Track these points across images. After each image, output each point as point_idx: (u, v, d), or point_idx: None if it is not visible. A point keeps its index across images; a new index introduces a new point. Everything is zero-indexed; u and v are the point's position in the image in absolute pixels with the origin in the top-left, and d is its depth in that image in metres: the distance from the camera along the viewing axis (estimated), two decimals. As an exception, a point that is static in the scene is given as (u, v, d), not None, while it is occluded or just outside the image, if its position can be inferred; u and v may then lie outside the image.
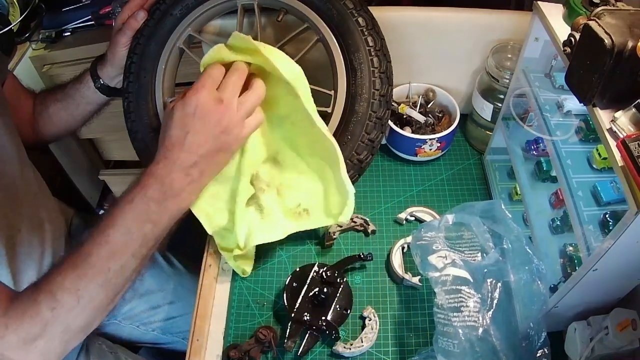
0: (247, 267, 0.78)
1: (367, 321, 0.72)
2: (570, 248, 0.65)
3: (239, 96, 0.61)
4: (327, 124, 0.73)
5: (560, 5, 0.61)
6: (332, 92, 0.72)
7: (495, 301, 0.62)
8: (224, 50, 0.64)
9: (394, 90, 0.76)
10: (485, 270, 0.64)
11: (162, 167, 0.59)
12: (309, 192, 0.72)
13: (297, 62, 0.73)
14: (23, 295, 0.56)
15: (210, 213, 0.70)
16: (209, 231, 0.72)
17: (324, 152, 0.69)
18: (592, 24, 0.46)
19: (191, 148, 0.59)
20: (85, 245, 0.57)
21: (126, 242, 0.57)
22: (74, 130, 0.95)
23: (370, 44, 0.70)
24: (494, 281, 0.63)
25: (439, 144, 0.88)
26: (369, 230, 0.82)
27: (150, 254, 0.60)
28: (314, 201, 0.72)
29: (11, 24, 0.64)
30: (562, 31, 0.57)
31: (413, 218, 0.85)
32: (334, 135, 0.72)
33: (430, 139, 0.87)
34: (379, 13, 0.74)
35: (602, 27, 0.45)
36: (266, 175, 0.72)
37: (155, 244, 0.60)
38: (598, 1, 0.54)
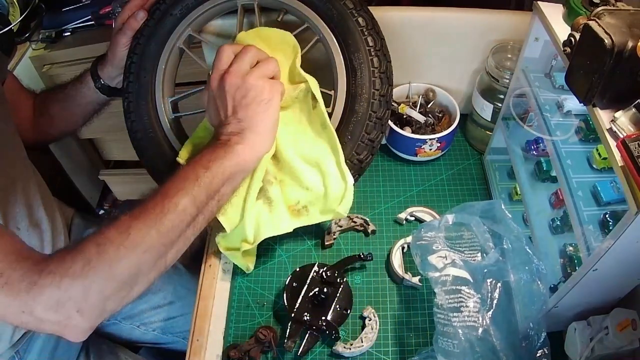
0: (250, 264, 0.78)
1: (367, 321, 0.72)
2: (570, 248, 0.65)
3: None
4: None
5: (560, 5, 0.61)
6: (332, 92, 0.72)
7: (495, 301, 0.62)
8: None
9: (394, 90, 0.76)
10: (485, 270, 0.64)
11: (217, 134, 0.63)
12: (307, 189, 0.72)
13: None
14: (74, 246, 0.51)
15: (227, 210, 0.69)
16: (228, 229, 0.70)
17: (324, 141, 0.70)
18: (592, 24, 0.46)
19: (227, 119, 0.62)
20: (148, 202, 0.55)
21: (181, 183, 0.56)
22: (74, 130, 0.95)
23: (370, 44, 0.70)
24: (493, 281, 0.63)
25: (439, 144, 0.88)
26: (369, 230, 0.82)
27: (209, 207, 0.58)
28: (313, 198, 0.72)
29: (11, 24, 0.64)
30: (562, 31, 0.57)
31: (413, 218, 0.85)
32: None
33: (430, 139, 0.87)
34: (379, 13, 0.74)
35: (602, 27, 0.45)
36: (272, 169, 0.72)
37: (212, 194, 0.58)
38: (598, 1, 0.54)
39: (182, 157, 0.72)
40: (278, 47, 0.71)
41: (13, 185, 0.75)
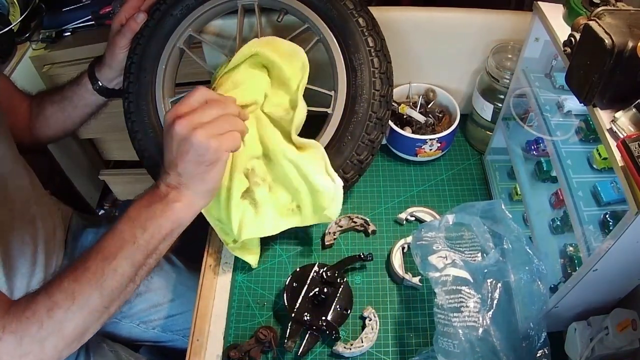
0: (251, 260, 0.78)
1: (367, 321, 0.72)
2: (571, 248, 0.65)
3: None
4: (327, 124, 0.73)
5: (560, 5, 0.61)
6: (332, 93, 0.72)
7: (495, 301, 0.62)
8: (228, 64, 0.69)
9: (394, 90, 0.76)
10: (486, 270, 0.64)
11: (158, 182, 0.61)
12: (298, 189, 0.72)
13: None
14: (22, 299, 0.57)
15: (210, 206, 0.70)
16: (209, 221, 0.72)
17: (308, 147, 0.70)
18: (592, 24, 0.46)
19: (170, 166, 0.59)
20: (83, 253, 0.58)
21: (119, 245, 0.57)
22: (71, 132, 0.95)
23: (371, 44, 0.70)
24: (494, 281, 0.63)
25: (439, 144, 0.88)
26: (369, 231, 0.82)
27: (146, 264, 0.59)
28: (305, 197, 0.72)
29: (11, 24, 0.64)
30: (562, 31, 0.57)
31: (413, 218, 0.85)
32: (334, 135, 0.72)
33: (430, 139, 0.87)
34: (379, 13, 0.74)
35: (602, 27, 0.45)
36: (261, 170, 0.72)
37: (150, 253, 0.59)
38: (598, 1, 0.54)
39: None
40: (286, 58, 0.70)
41: (4, 183, 0.75)
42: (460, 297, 0.62)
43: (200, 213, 0.65)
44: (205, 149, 0.56)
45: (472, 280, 0.63)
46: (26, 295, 0.57)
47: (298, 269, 0.75)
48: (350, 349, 0.69)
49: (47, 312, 0.54)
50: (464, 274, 0.64)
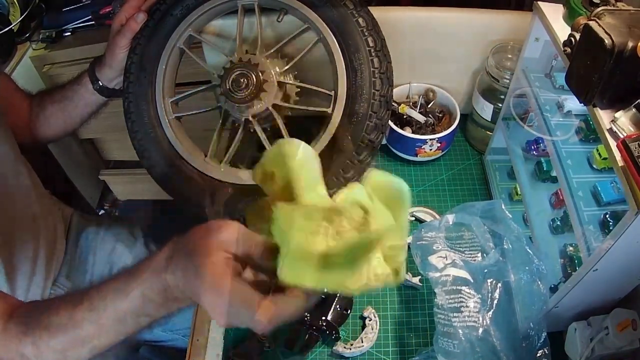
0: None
1: (367, 321, 0.72)
2: (571, 248, 0.65)
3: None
4: (327, 124, 0.73)
5: (560, 5, 0.61)
6: (332, 93, 0.72)
7: (495, 301, 0.62)
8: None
9: (394, 90, 0.76)
10: (486, 270, 0.64)
11: (163, 264, 0.48)
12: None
13: (297, 62, 0.73)
14: (14, 327, 0.53)
15: None
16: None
17: None
18: (592, 24, 0.46)
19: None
20: (78, 310, 0.52)
21: (118, 329, 0.52)
22: (71, 131, 0.95)
23: (371, 44, 0.70)
24: (494, 281, 0.63)
25: (439, 144, 0.88)
26: (369, 231, 0.82)
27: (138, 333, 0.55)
28: None
29: (11, 24, 0.64)
30: (562, 31, 0.57)
31: (413, 218, 0.85)
32: (334, 135, 0.72)
33: (430, 139, 0.87)
34: (379, 13, 0.74)
35: (602, 27, 0.45)
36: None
37: (144, 328, 0.54)
38: (598, 1, 0.54)
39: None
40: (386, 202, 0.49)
41: (5, 183, 0.75)
42: (461, 297, 0.62)
43: None
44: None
45: (472, 281, 0.63)
46: (21, 323, 0.54)
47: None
48: (350, 349, 0.69)
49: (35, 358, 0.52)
50: (464, 274, 0.64)
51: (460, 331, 0.59)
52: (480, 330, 0.60)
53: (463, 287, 0.63)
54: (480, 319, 0.60)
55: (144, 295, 0.50)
